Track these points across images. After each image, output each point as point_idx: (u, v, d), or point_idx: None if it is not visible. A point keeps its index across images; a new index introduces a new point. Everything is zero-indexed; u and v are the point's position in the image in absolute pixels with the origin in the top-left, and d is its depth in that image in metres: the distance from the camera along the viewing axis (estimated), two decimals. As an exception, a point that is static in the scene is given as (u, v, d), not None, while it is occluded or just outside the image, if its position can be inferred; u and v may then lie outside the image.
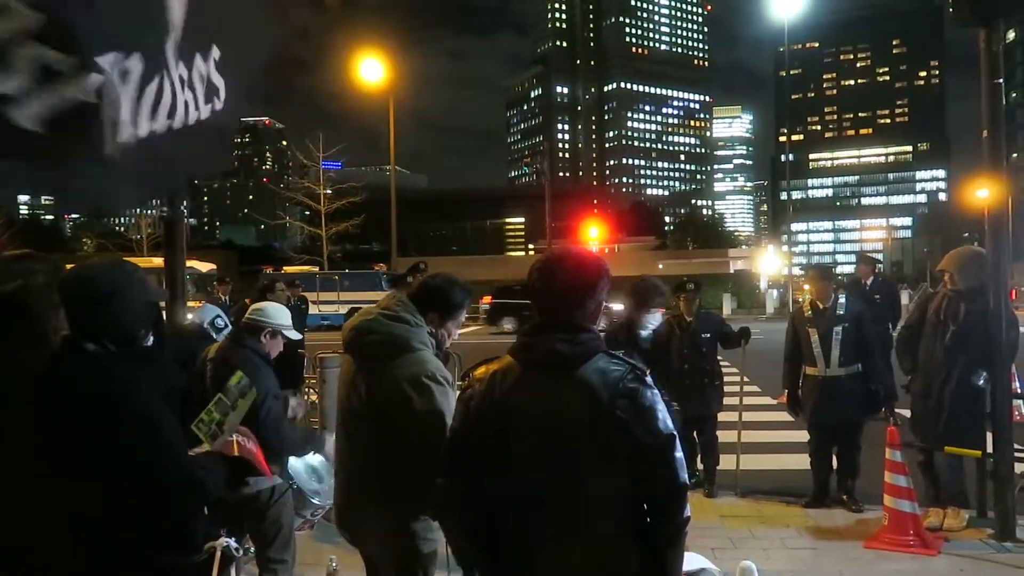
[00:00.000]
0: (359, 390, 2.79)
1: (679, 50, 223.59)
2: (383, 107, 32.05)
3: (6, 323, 2.16)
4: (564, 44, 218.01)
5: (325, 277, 31.50)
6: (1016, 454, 5.20)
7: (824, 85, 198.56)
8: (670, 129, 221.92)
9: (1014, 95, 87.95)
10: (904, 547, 4.90)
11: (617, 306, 6.00)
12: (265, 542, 3.73)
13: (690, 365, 6.52)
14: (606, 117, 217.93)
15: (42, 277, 2.23)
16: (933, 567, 4.73)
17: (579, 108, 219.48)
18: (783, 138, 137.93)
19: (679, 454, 1.96)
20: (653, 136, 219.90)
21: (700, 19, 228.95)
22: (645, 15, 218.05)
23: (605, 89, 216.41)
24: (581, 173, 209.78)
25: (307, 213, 48.04)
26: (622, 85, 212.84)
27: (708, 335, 6.55)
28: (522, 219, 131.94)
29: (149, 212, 43.25)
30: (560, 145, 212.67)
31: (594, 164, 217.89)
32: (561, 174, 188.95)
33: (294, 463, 3.97)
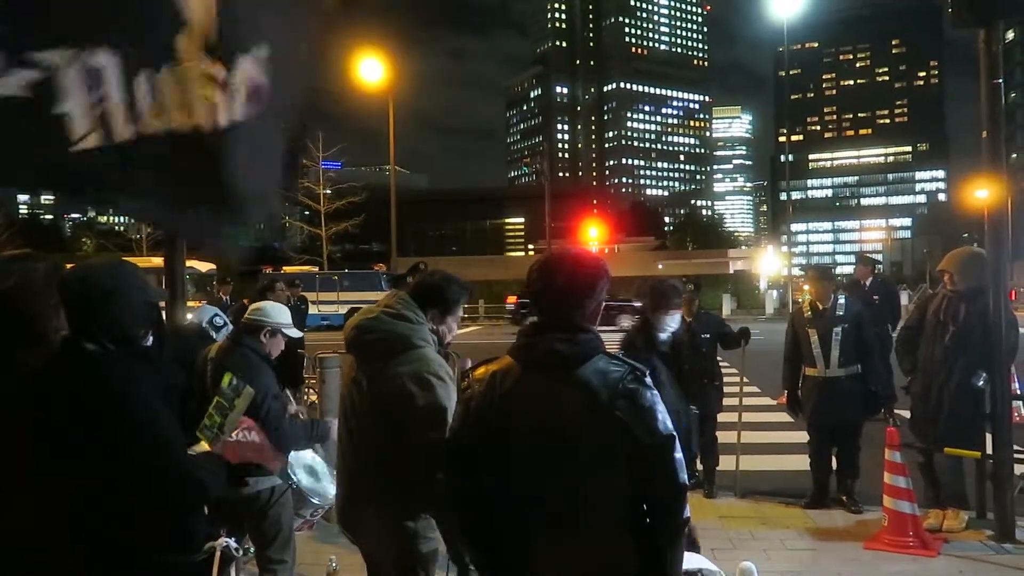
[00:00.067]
0: (361, 388, 2.79)
1: (679, 50, 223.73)
2: (383, 107, 32.05)
3: (1, 321, 2.16)
4: (564, 44, 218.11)
5: (325, 277, 31.52)
6: (1015, 455, 5.20)
7: (823, 85, 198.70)
8: (670, 129, 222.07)
9: (1013, 95, 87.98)
10: (904, 548, 4.90)
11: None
12: (265, 542, 3.73)
13: (690, 366, 6.52)
14: (606, 117, 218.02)
15: (42, 277, 2.23)
16: (933, 568, 4.73)
17: (579, 108, 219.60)
18: (782, 138, 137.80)
19: (679, 455, 1.96)
20: (653, 136, 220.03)
21: (700, 19, 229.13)
22: (645, 15, 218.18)
23: (605, 89, 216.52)
24: (581, 173, 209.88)
25: (307, 213, 48.03)
26: (622, 85, 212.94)
27: (708, 336, 6.56)
28: (522, 219, 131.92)
29: (149, 212, 43.17)
30: (560, 145, 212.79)
31: (594, 164, 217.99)
32: (561, 174, 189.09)
33: (294, 464, 3.97)
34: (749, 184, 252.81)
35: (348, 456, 2.92)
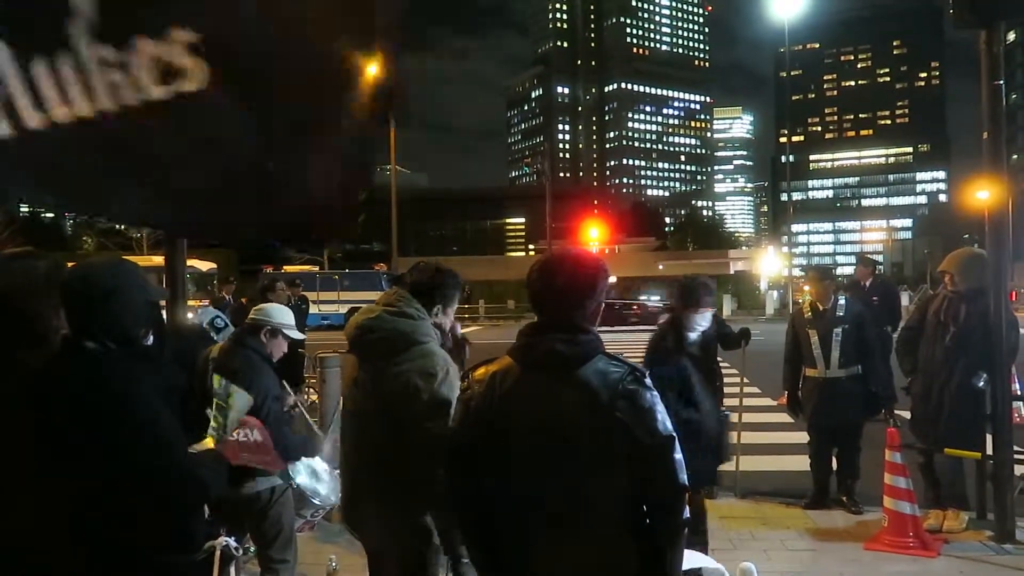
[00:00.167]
0: (364, 388, 2.80)
1: (680, 51, 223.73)
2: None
3: (2, 321, 2.16)
4: (565, 44, 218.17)
5: (325, 277, 31.54)
6: (1016, 456, 5.19)
7: (824, 86, 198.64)
8: (670, 130, 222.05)
9: (1014, 96, 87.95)
10: (904, 549, 4.90)
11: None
12: (266, 542, 3.73)
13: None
14: (607, 118, 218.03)
15: (43, 276, 2.23)
16: (933, 569, 4.73)
17: (579, 108, 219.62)
18: (783, 139, 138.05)
19: (678, 455, 1.96)
20: (653, 137, 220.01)
21: (701, 20, 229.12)
22: (646, 15, 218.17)
23: (606, 89, 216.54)
24: (581, 174, 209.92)
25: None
26: (623, 85, 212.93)
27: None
28: (522, 219, 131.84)
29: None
30: (560, 145, 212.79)
31: (594, 165, 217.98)
32: (561, 174, 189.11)
33: (296, 464, 3.97)
34: (750, 185, 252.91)
35: (350, 455, 2.93)
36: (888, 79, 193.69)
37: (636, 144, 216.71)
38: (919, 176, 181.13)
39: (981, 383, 5.15)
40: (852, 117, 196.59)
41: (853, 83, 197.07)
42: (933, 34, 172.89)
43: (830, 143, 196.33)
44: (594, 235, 53.23)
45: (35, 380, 2.03)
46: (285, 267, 37.24)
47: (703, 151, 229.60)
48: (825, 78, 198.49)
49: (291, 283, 11.02)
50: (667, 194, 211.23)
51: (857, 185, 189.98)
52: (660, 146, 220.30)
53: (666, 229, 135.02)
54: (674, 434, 1.97)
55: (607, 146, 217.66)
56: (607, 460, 1.92)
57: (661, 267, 52.46)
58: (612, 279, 32.44)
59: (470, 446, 2.09)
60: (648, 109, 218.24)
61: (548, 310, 2.08)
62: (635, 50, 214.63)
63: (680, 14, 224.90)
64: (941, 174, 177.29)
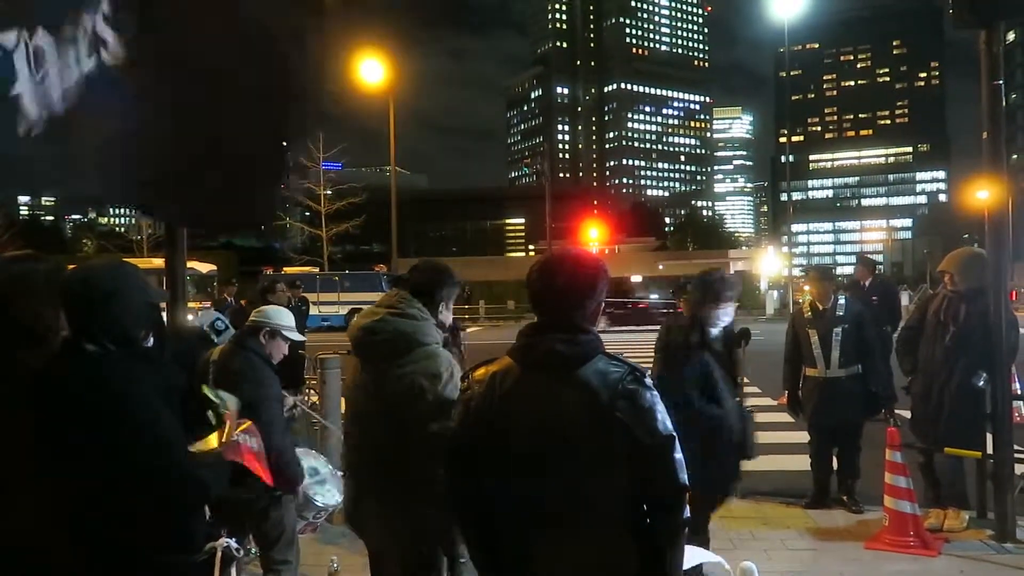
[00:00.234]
0: (366, 389, 2.81)
1: (679, 51, 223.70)
2: (383, 107, 32.05)
3: (2, 322, 2.17)
4: (564, 44, 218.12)
5: (325, 278, 31.51)
6: (1016, 455, 5.20)
7: (824, 86, 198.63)
8: (670, 130, 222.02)
9: (1014, 96, 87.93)
10: (904, 548, 4.91)
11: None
12: (268, 543, 3.74)
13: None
14: (606, 118, 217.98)
15: (43, 278, 2.24)
16: (933, 568, 4.73)
17: (579, 109, 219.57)
18: (783, 139, 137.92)
19: (679, 455, 1.96)
20: (653, 137, 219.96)
21: (700, 20, 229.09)
22: (645, 16, 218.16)
23: (605, 90, 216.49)
24: (581, 174, 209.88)
25: (307, 214, 48.02)
26: (622, 86, 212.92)
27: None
28: (522, 220, 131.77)
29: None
30: (560, 146, 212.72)
31: (594, 165, 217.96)
32: (561, 175, 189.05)
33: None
34: (750, 185, 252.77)
35: (352, 456, 2.94)
36: (888, 79, 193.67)
37: (636, 144, 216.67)
38: (919, 176, 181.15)
39: (981, 383, 5.15)
40: (852, 117, 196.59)
41: (853, 83, 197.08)
42: (933, 34, 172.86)
43: (830, 143, 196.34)
44: (594, 235, 53.22)
45: (35, 380, 2.03)
46: (285, 268, 37.21)
47: (703, 151, 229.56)
48: (825, 78, 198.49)
49: (291, 284, 11.02)
50: (667, 194, 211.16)
51: (857, 185, 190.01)
52: (660, 146, 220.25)
53: (666, 229, 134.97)
54: (674, 433, 1.97)
55: (607, 146, 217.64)
56: (607, 460, 1.92)
57: (661, 267, 52.38)
58: (638, 279, 31.93)
59: (470, 446, 2.09)
60: (648, 109, 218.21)
61: (548, 310, 2.08)
62: (635, 50, 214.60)
63: (679, 14, 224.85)
64: (941, 174, 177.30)
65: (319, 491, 4.10)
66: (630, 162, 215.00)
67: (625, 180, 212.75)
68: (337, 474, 4.35)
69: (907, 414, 5.98)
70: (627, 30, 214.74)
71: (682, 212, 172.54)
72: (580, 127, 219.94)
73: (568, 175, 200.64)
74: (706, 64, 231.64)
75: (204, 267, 26.76)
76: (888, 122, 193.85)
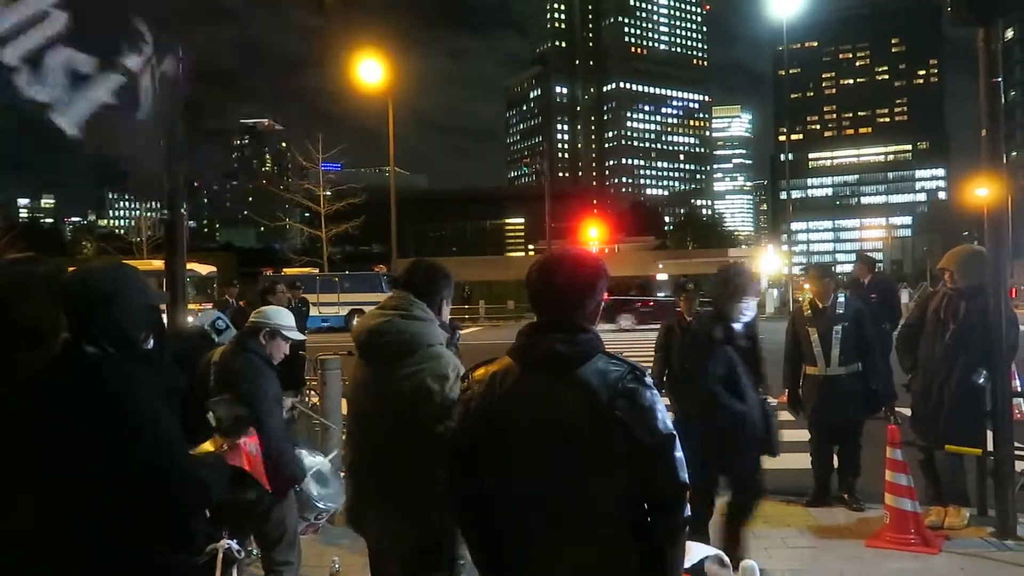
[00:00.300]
0: (370, 391, 2.81)
1: (678, 50, 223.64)
2: (383, 107, 32.02)
3: (2, 324, 2.17)
4: (563, 44, 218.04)
5: (325, 279, 31.51)
6: (1016, 452, 5.20)
7: (823, 84, 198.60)
8: (669, 129, 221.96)
9: (1013, 93, 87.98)
10: (905, 546, 4.91)
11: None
12: (269, 544, 3.74)
13: (690, 365, 6.52)
14: (605, 117, 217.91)
15: (43, 280, 2.24)
16: (934, 565, 4.73)
17: (578, 108, 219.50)
18: (782, 137, 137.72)
19: (679, 454, 1.96)
20: (652, 136, 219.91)
21: (699, 19, 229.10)
22: (644, 15, 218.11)
23: (604, 89, 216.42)
24: (580, 173, 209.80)
25: (307, 215, 48.05)
26: (621, 85, 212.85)
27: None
28: (522, 219, 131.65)
29: (149, 214, 43.32)
30: (559, 145, 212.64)
31: (593, 164, 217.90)
32: (560, 174, 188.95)
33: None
34: (749, 183, 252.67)
35: (354, 457, 2.95)
36: (887, 77, 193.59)
37: (635, 143, 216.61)
38: (918, 173, 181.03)
39: (981, 380, 5.15)
40: (851, 115, 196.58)
41: (852, 81, 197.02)
42: (931, 32, 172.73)
43: (829, 141, 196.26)
44: (593, 235, 53.22)
45: (35, 382, 2.04)
46: (285, 269, 37.21)
47: (702, 150, 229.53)
48: (824, 76, 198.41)
49: (291, 285, 11.01)
50: (666, 193, 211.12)
51: (856, 183, 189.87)
52: (659, 145, 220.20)
53: (665, 228, 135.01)
54: (674, 432, 1.97)
55: (606, 145, 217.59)
56: (607, 460, 1.92)
57: (661, 266, 52.32)
58: (664, 276, 31.77)
59: (470, 446, 2.09)
60: (647, 108, 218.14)
61: (548, 310, 2.08)
62: (633, 49, 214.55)
63: (678, 13, 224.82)
64: (940, 171, 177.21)
65: (320, 492, 4.10)
66: (629, 161, 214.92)
67: (624, 179, 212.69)
68: (339, 474, 4.36)
69: (907, 412, 5.99)
70: (626, 29, 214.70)
71: (681, 211, 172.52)
72: (579, 126, 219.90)
73: (567, 174, 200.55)
74: (705, 63, 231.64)
75: (204, 269, 26.79)
76: (887, 120, 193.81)
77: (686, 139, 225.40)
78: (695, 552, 3.04)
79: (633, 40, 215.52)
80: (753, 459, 4.35)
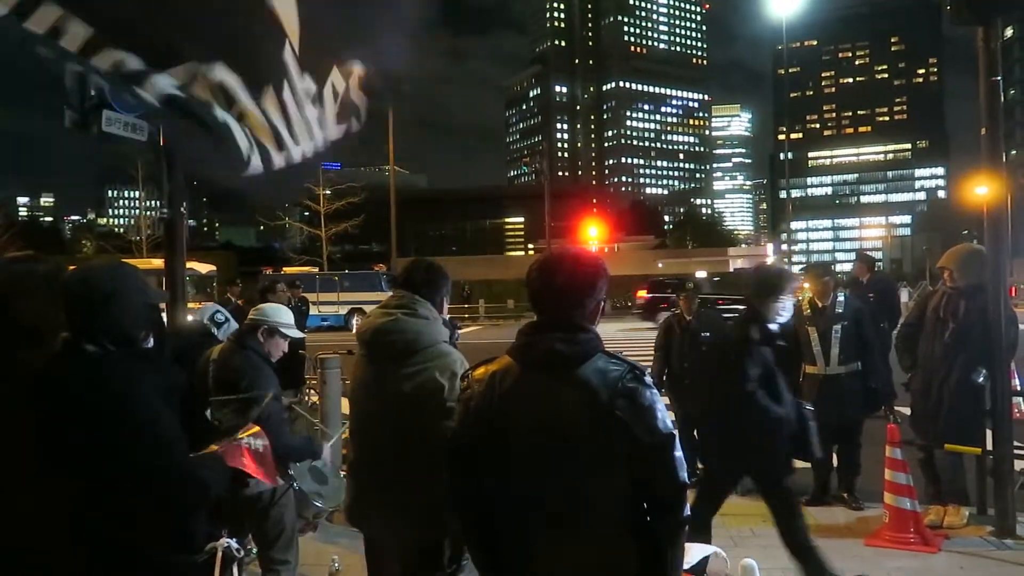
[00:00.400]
0: (372, 389, 2.82)
1: (678, 49, 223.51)
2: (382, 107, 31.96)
3: (2, 322, 2.17)
4: (562, 43, 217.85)
5: (325, 278, 31.50)
6: (1016, 451, 5.20)
7: (823, 83, 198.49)
8: (669, 128, 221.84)
9: (1012, 92, 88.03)
10: (905, 544, 4.91)
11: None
12: (267, 543, 3.74)
13: (690, 364, 6.53)
14: (605, 116, 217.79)
15: (43, 279, 2.24)
16: (934, 564, 4.73)
17: (578, 107, 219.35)
18: (782, 136, 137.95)
19: (679, 453, 1.96)
20: (652, 135, 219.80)
21: (698, 18, 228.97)
22: (643, 14, 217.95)
23: (604, 88, 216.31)
24: (580, 172, 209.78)
25: (306, 214, 48.03)
26: (621, 84, 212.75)
27: (708, 334, 6.56)
28: (521, 219, 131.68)
29: (148, 213, 43.30)
30: (559, 144, 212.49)
31: (593, 163, 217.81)
32: (560, 173, 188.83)
33: (298, 465, 3.98)
34: (749, 182, 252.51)
35: (355, 455, 2.96)
36: (886, 76, 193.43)
37: (635, 142, 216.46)
38: (918, 172, 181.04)
39: (981, 379, 5.16)
40: (850, 114, 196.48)
41: (851, 80, 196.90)
42: (931, 30, 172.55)
43: (829, 140, 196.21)
44: (593, 234, 53.26)
45: (35, 381, 2.04)
46: (284, 268, 37.22)
47: (702, 149, 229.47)
48: (823, 75, 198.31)
49: (291, 284, 11.01)
50: (666, 192, 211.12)
51: (856, 182, 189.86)
52: (659, 144, 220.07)
53: (665, 227, 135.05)
54: (674, 432, 1.97)
55: (606, 145, 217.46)
56: (607, 459, 1.92)
57: (660, 265, 52.37)
58: (702, 274, 31.84)
59: (470, 446, 2.09)
60: (646, 107, 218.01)
61: (547, 309, 2.08)
62: (633, 48, 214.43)
63: (678, 12, 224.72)
64: (940, 170, 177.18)
65: (319, 490, 4.10)
66: (629, 160, 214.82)
67: (624, 178, 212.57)
68: (337, 472, 4.36)
69: (907, 411, 5.99)
70: (625, 28, 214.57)
71: (681, 210, 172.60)
72: (579, 126, 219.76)
73: (567, 174, 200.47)
74: (704, 62, 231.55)
75: (203, 267, 26.76)
76: (887, 119, 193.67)
77: (686, 138, 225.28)
78: (695, 552, 3.04)
79: (633, 39, 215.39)
80: (786, 463, 4.32)
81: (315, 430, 6.59)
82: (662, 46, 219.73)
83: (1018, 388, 6.66)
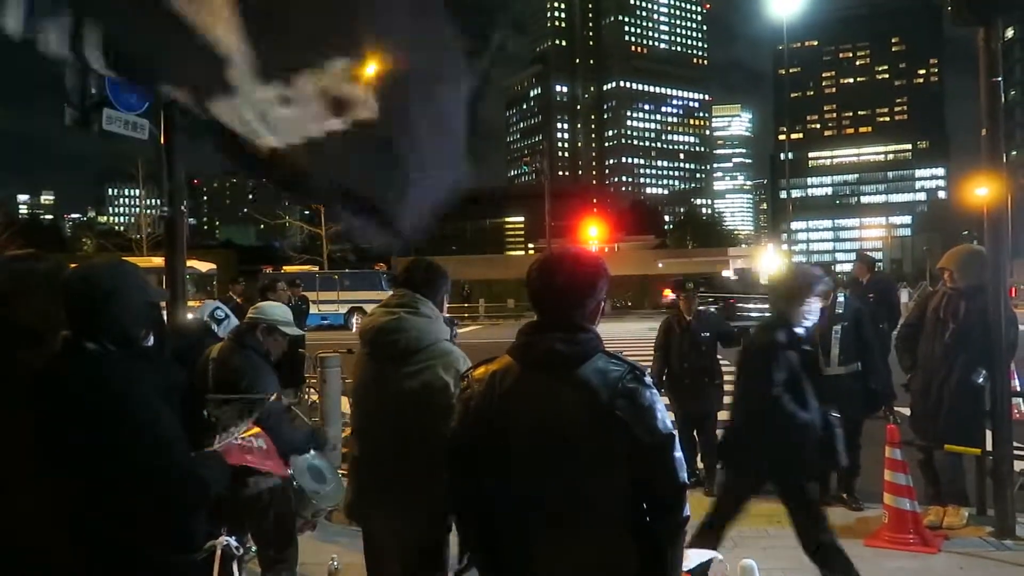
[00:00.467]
0: (373, 388, 2.82)
1: (678, 49, 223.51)
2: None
3: (2, 322, 2.17)
4: (563, 43, 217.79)
5: (325, 277, 31.50)
6: (1015, 452, 5.20)
7: (823, 83, 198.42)
8: (669, 128, 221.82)
9: (1013, 93, 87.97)
10: (904, 545, 4.91)
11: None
12: (267, 541, 3.74)
13: (690, 364, 6.53)
14: (605, 116, 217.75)
15: (43, 277, 2.24)
16: (933, 565, 4.73)
17: (578, 107, 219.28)
18: (782, 136, 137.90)
19: (678, 453, 1.96)
20: (652, 135, 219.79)
21: (699, 17, 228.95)
22: (644, 14, 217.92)
23: (604, 88, 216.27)
24: (580, 172, 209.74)
25: (307, 212, 48.05)
26: (621, 84, 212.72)
27: (708, 334, 6.57)
28: (522, 218, 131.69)
29: (149, 211, 43.33)
30: (559, 144, 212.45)
31: (593, 163, 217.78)
32: (560, 173, 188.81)
33: (297, 464, 3.98)
34: (749, 182, 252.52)
35: (356, 453, 2.96)
36: (887, 76, 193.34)
37: (635, 142, 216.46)
38: (918, 173, 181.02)
39: (980, 379, 5.16)
40: (851, 114, 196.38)
41: (852, 80, 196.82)
42: (931, 31, 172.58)
43: (829, 140, 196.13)
44: (593, 233, 53.27)
45: (35, 380, 2.03)
46: (285, 267, 37.22)
47: (702, 149, 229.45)
48: (824, 75, 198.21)
49: (291, 283, 11.01)
50: (666, 192, 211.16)
51: (856, 182, 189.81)
52: (659, 144, 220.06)
53: (665, 227, 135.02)
54: (674, 432, 1.97)
55: (606, 144, 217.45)
56: (607, 459, 1.92)
57: (660, 265, 52.35)
58: (729, 273, 31.56)
59: (470, 446, 2.09)
60: (647, 107, 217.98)
61: (548, 309, 2.08)
62: (633, 48, 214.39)
63: (678, 12, 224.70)
64: (940, 171, 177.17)
65: (318, 489, 4.09)
66: (629, 160, 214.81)
67: (624, 178, 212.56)
68: (336, 471, 4.35)
69: (907, 411, 5.99)
70: (626, 28, 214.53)
71: (681, 210, 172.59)
72: (579, 125, 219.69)
73: (567, 173, 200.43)
74: (705, 62, 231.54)
75: (204, 266, 26.75)
76: (887, 119, 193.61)
77: (686, 138, 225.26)
78: (694, 557, 3.04)
79: (633, 39, 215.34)
80: (811, 469, 4.29)
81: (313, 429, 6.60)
82: (663, 46, 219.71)
83: (1018, 389, 6.65)
